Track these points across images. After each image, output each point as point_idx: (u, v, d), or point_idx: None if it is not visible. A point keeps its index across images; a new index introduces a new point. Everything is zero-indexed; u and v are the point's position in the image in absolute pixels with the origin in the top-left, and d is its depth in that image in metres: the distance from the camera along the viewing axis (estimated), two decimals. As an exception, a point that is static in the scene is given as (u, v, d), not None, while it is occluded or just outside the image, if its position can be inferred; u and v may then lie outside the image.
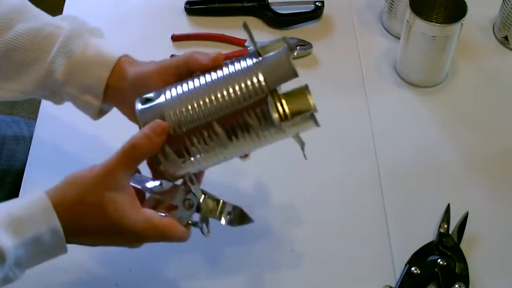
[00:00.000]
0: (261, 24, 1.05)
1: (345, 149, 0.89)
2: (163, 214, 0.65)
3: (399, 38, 0.97)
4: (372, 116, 0.92)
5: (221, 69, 0.64)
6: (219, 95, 0.62)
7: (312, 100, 0.63)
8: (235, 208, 0.68)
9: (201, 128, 0.63)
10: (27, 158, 0.87)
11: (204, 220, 0.66)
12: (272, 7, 1.05)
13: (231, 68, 0.64)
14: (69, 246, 0.62)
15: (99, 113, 0.75)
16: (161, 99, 0.65)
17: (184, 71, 0.69)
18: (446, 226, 0.79)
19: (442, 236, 0.78)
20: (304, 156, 0.66)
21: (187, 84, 0.65)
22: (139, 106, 0.65)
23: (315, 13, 1.05)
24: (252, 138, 0.63)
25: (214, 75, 0.64)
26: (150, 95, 0.65)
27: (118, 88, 0.72)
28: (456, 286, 0.74)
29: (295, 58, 0.62)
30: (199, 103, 0.63)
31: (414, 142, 0.90)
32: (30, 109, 1.92)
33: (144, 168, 0.69)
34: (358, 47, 1.01)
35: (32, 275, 0.64)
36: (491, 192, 0.85)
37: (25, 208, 0.61)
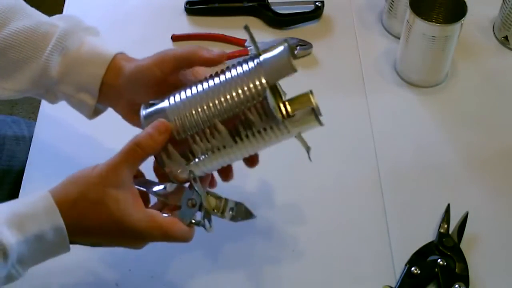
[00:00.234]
0: (261, 24, 1.05)
1: (345, 149, 0.89)
2: (166, 214, 0.65)
3: (399, 38, 0.97)
4: (372, 116, 0.92)
5: (224, 73, 0.65)
6: (222, 99, 0.63)
7: (315, 99, 0.63)
8: (237, 204, 0.68)
9: (204, 128, 0.64)
10: (27, 158, 0.87)
11: (207, 216, 0.66)
12: (272, 7, 1.05)
13: (233, 72, 0.64)
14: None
15: (94, 112, 0.75)
16: (165, 103, 0.66)
17: (185, 64, 0.69)
18: (446, 226, 0.79)
19: (442, 236, 0.78)
20: (309, 158, 0.66)
21: (191, 89, 0.66)
22: (143, 110, 0.67)
23: (315, 13, 1.05)
24: (255, 136, 0.64)
25: (217, 80, 0.65)
26: (155, 100, 0.67)
27: (114, 85, 0.72)
28: (456, 286, 0.74)
29: (295, 58, 0.62)
30: (203, 107, 0.64)
31: (414, 142, 0.90)
32: (30, 109, 1.92)
33: (149, 173, 0.70)
34: (358, 47, 1.01)
35: (32, 275, 0.64)
36: (491, 192, 0.85)
37: (28, 206, 0.61)
